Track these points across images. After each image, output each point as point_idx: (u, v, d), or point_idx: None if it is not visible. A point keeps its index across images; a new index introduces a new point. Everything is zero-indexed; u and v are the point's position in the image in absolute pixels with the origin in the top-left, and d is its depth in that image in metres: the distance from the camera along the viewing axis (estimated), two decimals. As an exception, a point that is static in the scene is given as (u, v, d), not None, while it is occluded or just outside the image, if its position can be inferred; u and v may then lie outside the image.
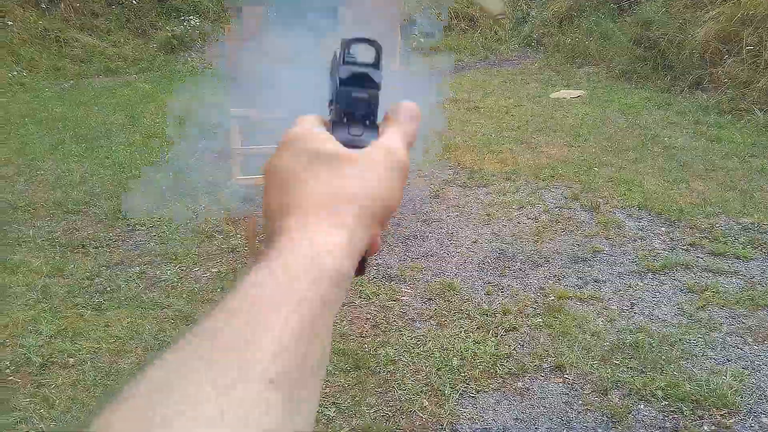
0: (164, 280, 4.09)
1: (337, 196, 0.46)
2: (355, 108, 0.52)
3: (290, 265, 0.42)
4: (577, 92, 8.84)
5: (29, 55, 10.54)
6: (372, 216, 0.47)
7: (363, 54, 0.53)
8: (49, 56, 10.79)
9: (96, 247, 4.56)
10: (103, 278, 4.13)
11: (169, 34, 11.45)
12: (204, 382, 0.34)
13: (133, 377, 0.36)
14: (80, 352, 3.34)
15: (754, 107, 7.27)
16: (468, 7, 13.28)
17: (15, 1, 11.06)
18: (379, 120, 0.54)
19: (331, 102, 0.53)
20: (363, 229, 0.46)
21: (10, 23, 10.67)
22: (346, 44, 0.53)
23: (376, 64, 0.53)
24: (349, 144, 0.50)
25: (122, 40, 11.56)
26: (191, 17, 11.71)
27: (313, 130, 0.50)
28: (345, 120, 0.52)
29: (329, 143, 0.49)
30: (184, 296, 3.89)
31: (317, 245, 0.43)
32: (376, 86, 0.53)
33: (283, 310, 0.39)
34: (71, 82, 10.08)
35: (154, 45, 11.47)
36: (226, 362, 0.36)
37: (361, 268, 0.49)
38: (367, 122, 0.52)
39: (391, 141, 0.51)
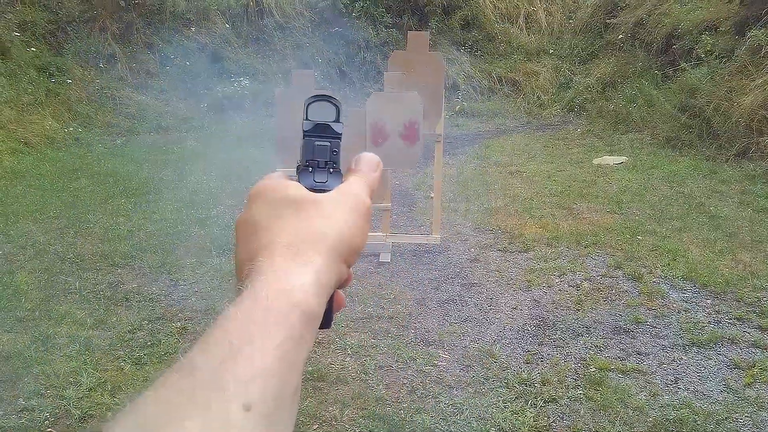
0: (204, 337, 4.12)
1: (303, 237, 0.48)
2: (318, 155, 0.56)
3: (261, 300, 0.43)
4: (621, 158, 8.81)
5: (85, 111, 10.98)
6: (338, 254, 0.49)
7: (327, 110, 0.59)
8: (104, 113, 11.22)
9: (139, 301, 4.64)
10: (144, 332, 4.19)
11: (220, 95, 11.82)
12: (185, 418, 0.36)
13: (116, 415, 0.38)
14: (118, 407, 3.37)
15: (803, 178, 7.14)
16: (511, 72, 13.46)
17: (74, 61, 11.59)
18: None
19: (298, 167, 0.56)
20: (329, 267, 0.48)
21: (69, 81, 11.16)
22: (309, 101, 0.59)
23: (336, 119, 0.58)
24: (315, 190, 0.53)
25: (174, 99, 11.98)
26: (242, 78, 12.09)
27: (279, 180, 0.54)
28: (310, 168, 0.55)
29: (295, 189, 0.52)
30: (222, 354, 3.91)
31: (286, 282, 0.45)
32: (337, 136, 0.57)
33: (256, 343, 0.41)
34: (123, 138, 10.44)
35: (205, 105, 11.85)
36: (205, 397, 0.37)
37: (326, 321, 0.50)
38: (331, 170, 0.55)
39: (353, 186, 0.54)
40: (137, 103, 11.66)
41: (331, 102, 0.59)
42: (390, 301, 4.64)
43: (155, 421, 0.37)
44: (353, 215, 0.52)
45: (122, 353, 3.92)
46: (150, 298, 4.69)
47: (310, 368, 3.70)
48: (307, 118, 0.58)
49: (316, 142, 0.56)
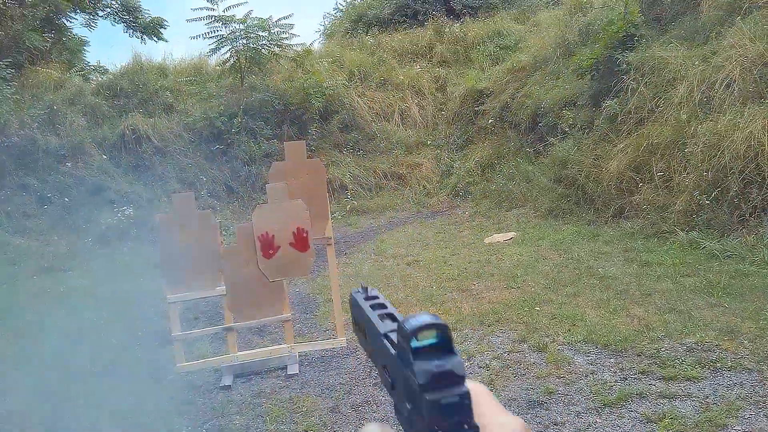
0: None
1: None
2: (447, 418, 0.42)
3: None
4: (509, 234, 9.13)
5: (-42, 264, 10.34)
6: None
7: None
8: (-20, 262, 10.59)
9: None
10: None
11: (104, 227, 11.47)
12: None
13: None
14: None
15: (675, 228, 7.62)
16: (395, 167, 13.86)
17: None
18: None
19: (395, 385, 0.46)
20: None
21: (-62, 235, 10.53)
22: (411, 333, 0.44)
23: (449, 346, 0.45)
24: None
25: (56, 237, 11.50)
26: (125, 207, 11.83)
27: None
28: None
29: None
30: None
31: None
32: (462, 381, 0.44)
33: None
34: (4, 285, 9.86)
35: (89, 239, 11.45)
36: None
37: None
38: (466, 427, 0.43)
39: None
40: (15, 247, 11.11)
41: (438, 328, 0.45)
42: (303, 414, 4.48)
43: None
44: None
45: None
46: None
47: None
48: (415, 363, 0.44)
49: (443, 400, 0.42)
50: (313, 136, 13.75)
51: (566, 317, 5.58)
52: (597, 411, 4.03)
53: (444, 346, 0.44)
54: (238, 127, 13.33)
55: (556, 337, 5.22)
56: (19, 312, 8.09)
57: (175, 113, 13.97)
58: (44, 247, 11.30)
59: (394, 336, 0.48)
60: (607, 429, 3.82)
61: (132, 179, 12.74)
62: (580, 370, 4.62)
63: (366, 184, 13.56)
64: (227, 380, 5.15)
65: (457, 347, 0.45)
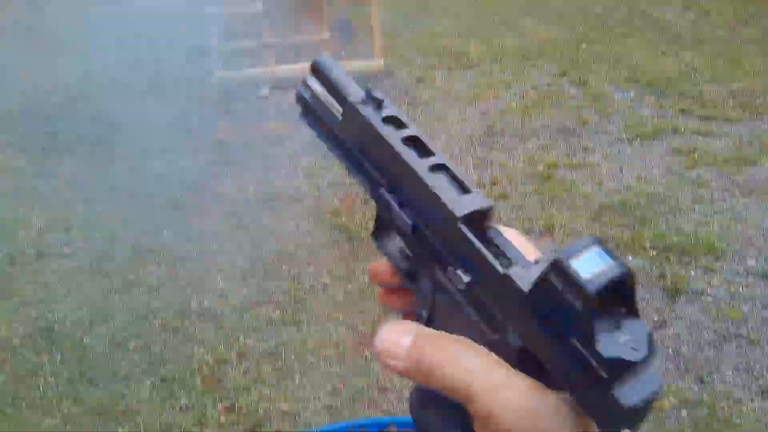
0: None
1: None
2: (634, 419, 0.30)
3: None
4: (563, -26, 8.57)
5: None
6: None
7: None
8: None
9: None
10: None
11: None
12: None
13: None
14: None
15: (743, -23, 7.07)
16: None
17: None
18: None
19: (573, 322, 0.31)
20: None
21: None
22: (591, 298, 0.30)
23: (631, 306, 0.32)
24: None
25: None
26: None
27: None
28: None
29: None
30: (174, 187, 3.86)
31: None
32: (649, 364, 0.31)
33: None
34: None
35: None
36: None
37: None
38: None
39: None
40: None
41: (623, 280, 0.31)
42: (338, 125, 4.57)
43: None
44: None
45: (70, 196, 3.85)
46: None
47: (263, 189, 3.71)
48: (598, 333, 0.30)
49: (639, 403, 0.30)
50: None
51: (612, 56, 5.41)
52: (628, 141, 4.06)
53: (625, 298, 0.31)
54: None
55: (598, 74, 5.10)
56: (53, 22, 8.05)
57: None
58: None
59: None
60: (635, 157, 3.87)
61: None
62: (619, 104, 4.58)
63: None
64: (264, 91, 5.22)
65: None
